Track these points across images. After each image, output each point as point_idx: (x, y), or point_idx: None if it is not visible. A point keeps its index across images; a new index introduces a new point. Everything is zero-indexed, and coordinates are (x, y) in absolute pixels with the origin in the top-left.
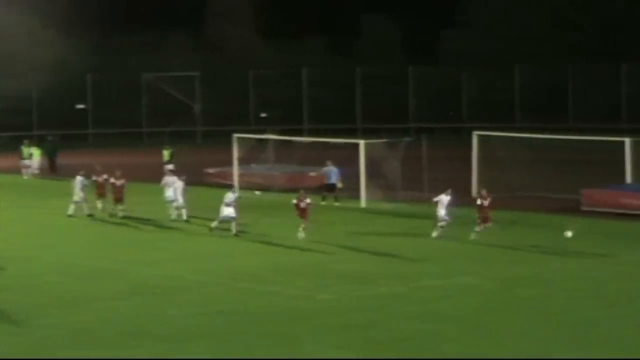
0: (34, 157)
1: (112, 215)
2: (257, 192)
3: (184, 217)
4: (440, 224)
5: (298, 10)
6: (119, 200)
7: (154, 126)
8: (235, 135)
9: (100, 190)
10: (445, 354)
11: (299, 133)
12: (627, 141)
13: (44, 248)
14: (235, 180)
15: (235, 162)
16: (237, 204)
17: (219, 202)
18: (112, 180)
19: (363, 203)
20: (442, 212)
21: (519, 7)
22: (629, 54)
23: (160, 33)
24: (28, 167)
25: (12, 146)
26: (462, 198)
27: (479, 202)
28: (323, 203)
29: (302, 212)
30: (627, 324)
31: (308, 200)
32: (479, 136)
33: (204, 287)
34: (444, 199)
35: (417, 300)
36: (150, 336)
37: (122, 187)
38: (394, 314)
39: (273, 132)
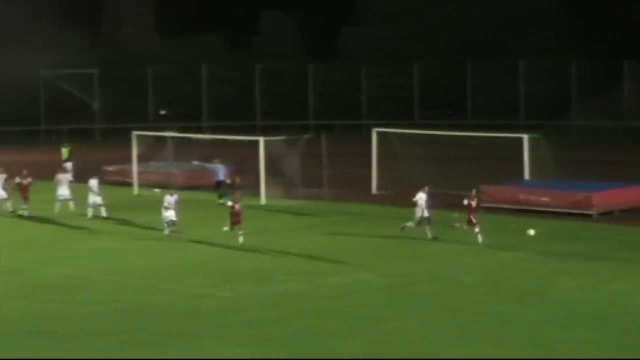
0: None
1: (14, 213)
2: (156, 190)
3: (104, 214)
4: (421, 222)
5: (196, 7)
6: (25, 199)
7: (52, 124)
8: (135, 132)
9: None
10: (340, 352)
11: (199, 130)
12: (525, 137)
13: None
14: (135, 178)
15: (135, 159)
16: (178, 207)
17: (118, 199)
18: (17, 180)
19: (263, 200)
20: (420, 213)
21: (418, 3)
22: (526, 51)
23: (59, 30)
24: None
25: None
26: (361, 195)
27: (465, 202)
28: (221, 201)
29: (237, 216)
30: (526, 319)
31: (239, 204)
32: (379, 133)
33: (104, 285)
34: (423, 196)
35: (315, 297)
36: (51, 335)
37: (28, 185)
38: (293, 311)
39: (172, 130)
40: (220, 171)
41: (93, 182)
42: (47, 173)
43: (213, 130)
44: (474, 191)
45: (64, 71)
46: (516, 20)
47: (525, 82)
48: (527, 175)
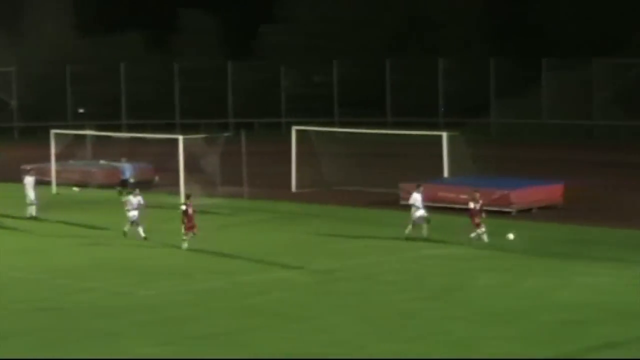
0: None
1: None
2: (75, 189)
3: (34, 213)
4: (418, 222)
5: (115, 5)
6: None
7: None
8: (53, 131)
9: None
10: (262, 350)
11: (118, 129)
12: (444, 135)
13: None
14: (53, 177)
15: (53, 158)
16: (142, 209)
17: (37, 198)
18: None
19: (183, 198)
20: (418, 213)
21: (338, 2)
22: (445, 49)
23: None
24: None
25: None
26: (281, 193)
27: (471, 205)
28: (122, 198)
29: (190, 219)
30: (445, 315)
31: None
32: (298, 131)
33: (22, 284)
34: (417, 196)
35: (236, 295)
36: None
37: None
38: (213, 309)
39: (91, 128)
40: (127, 170)
41: (29, 180)
42: None
43: (132, 129)
44: (477, 194)
45: None
46: (432, 19)
47: (444, 80)
48: (446, 172)
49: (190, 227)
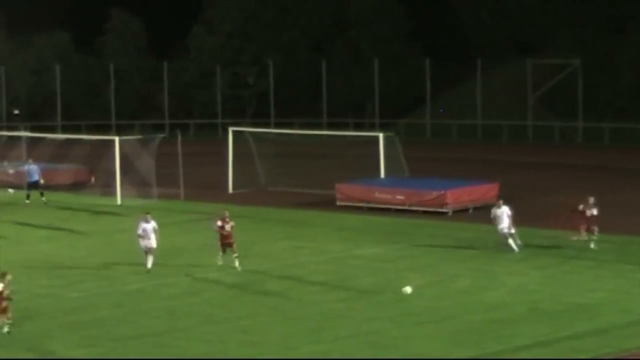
0: None
1: None
2: (10, 190)
3: None
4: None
5: (44, 5)
6: None
7: None
8: None
9: None
10: (186, 351)
11: (53, 130)
12: (381, 136)
13: None
14: None
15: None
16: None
17: None
18: None
19: (119, 200)
20: (502, 224)
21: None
22: (378, 51)
23: None
24: None
25: None
26: (217, 195)
27: (581, 207)
28: (27, 202)
29: (226, 238)
30: (371, 316)
31: (232, 223)
32: (234, 132)
33: None
34: (498, 211)
35: (162, 297)
36: None
37: None
38: (140, 310)
39: (26, 130)
40: (34, 171)
41: None
42: None
43: (67, 130)
44: (591, 199)
45: None
46: (360, 19)
47: (379, 81)
48: (382, 173)
49: (227, 245)
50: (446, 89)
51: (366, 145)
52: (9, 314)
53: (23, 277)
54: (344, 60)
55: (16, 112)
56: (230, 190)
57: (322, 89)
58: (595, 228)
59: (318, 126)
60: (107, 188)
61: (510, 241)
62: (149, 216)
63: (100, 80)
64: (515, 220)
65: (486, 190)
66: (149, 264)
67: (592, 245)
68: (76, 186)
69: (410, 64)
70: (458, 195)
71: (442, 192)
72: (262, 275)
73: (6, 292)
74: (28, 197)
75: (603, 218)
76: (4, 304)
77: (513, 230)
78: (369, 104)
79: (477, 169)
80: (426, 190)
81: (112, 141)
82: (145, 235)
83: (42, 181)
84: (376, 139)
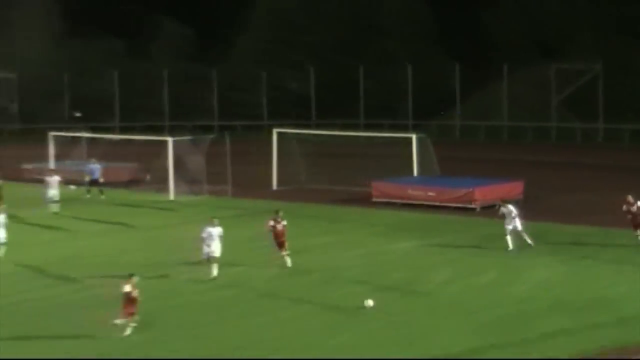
0: None
1: None
2: (72, 186)
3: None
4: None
5: (100, 11)
6: None
7: None
8: (51, 133)
9: None
10: (224, 340)
11: (110, 131)
12: (414, 137)
13: None
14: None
15: (52, 158)
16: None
17: (37, 195)
18: None
19: (171, 196)
20: (510, 225)
21: (308, 11)
22: (412, 55)
23: None
24: None
25: None
26: (262, 191)
27: (624, 208)
28: (88, 196)
29: (279, 237)
30: (403, 308)
31: (285, 222)
32: (279, 133)
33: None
34: (505, 211)
35: (210, 288)
36: None
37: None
38: (190, 301)
39: (86, 130)
40: (96, 170)
41: (54, 179)
42: None
43: (124, 131)
44: (630, 197)
45: None
46: (399, 27)
47: (412, 85)
48: (415, 171)
49: (279, 244)
50: (474, 91)
51: (400, 145)
52: (136, 317)
53: (81, 269)
54: (379, 65)
55: (77, 114)
56: (274, 187)
57: (359, 93)
58: None
59: (355, 127)
60: (161, 185)
61: (525, 237)
62: (215, 220)
63: (154, 84)
64: (539, 214)
65: (512, 187)
66: (214, 272)
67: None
68: (132, 183)
69: (440, 69)
70: (485, 192)
71: (471, 189)
72: (302, 267)
73: (134, 293)
74: (88, 192)
75: (621, 215)
76: (131, 306)
77: (520, 227)
78: (402, 107)
79: (503, 168)
80: (455, 188)
81: (166, 141)
82: (209, 239)
83: (101, 179)
84: (409, 139)
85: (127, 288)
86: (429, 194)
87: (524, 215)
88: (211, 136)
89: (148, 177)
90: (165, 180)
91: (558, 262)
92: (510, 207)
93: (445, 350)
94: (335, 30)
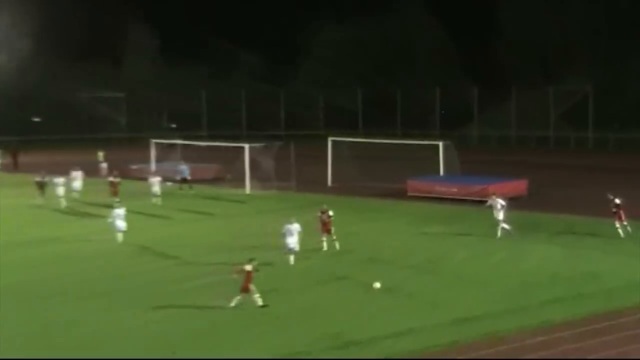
0: None
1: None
2: (168, 183)
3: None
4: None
5: (193, 40)
6: (115, 194)
7: (90, 133)
8: (152, 140)
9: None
10: (292, 306)
11: (199, 139)
12: (440, 144)
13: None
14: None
15: (153, 160)
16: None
17: (140, 189)
18: (110, 179)
19: (247, 191)
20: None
21: (358, 42)
22: (439, 79)
23: (91, 64)
24: None
25: None
26: (320, 187)
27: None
28: (180, 191)
29: (326, 225)
30: (430, 281)
31: (331, 213)
32: (333, 141)
33: (93, 260)
34: (492, 203)
35: (281, 263)
36: (56, 294)
37: (118, 183)
38: (264, 274)
39: (179, 138)
40: (185, 170)
41: (156, 179)
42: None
43: (210, 139)
44: (609, 195)
45: (100, 94)
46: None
47: (440, 102)
48: (441, 171)
49: (324, 230)
50: (488, 107)
51: (429, 150)
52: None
53: (178, 248)
54: (413, 87)
55: (173, 125)
56: (329, 184)
57: (396, 109)
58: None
59: (393, 136)
60: (239, 182)
61: (504, 225)
62: (293, 219)
63: (234, 101)
64: (541, 206)
65: (518, 184)
66: (292, 261)
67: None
68: (216, 180)
69: (461, 89)
70: (497, 188)
71: (485, 186)
72: (349, 248)
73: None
74: (180, 188)
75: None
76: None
77: (501, 217)
78: (431, 120)
79: (511, 169)
80: (473, 185)
81: (243, 147)
82: (288, 235)
83: (189, 177)
84: (437, 146)
85: (248, 268)
86: (452, 189)
87: (533, 206)
88: (279, 143)
89: (229, 175)
90: (242, 178)
91: (555, 245)
92: (498, 200)
93: (467, 314)
94: (378, 59)
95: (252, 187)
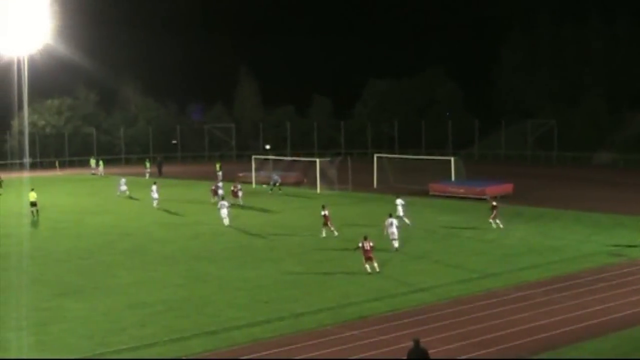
0: (100, 165)
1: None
2: (264, 186)
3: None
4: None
5: (273, 87)
6: (236, 197)
7: (210, 151)
8: (253, 156)
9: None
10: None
11: (285, 155)
12: (452, 159)
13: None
14: (253, 179)
15: (253, 170)
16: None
17: (244, 190)
18: (232, 188)
19: (318, 191)
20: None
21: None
22: (450, 113)
23: (210, 103)
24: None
25: (140, 163)
26: (368, 188)
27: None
28: (270, 192)
29: (367, 253)
30: (447, 251)
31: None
32: (378, 157)
33: (223, 236)
34: (398, 200)
35: (344, 239)
36: (201, 258)
37: (237, 191)
38: (335, 255)
39: (271, 154)
40: (276, 176)
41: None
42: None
43: (293, 155)
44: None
45: (218, 125)
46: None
47: (452, 126)
48: (453, 177)
49: (325, 224)
50: (485, 135)
51: (445, 163)
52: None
53: (272, 229)
54: (432, 120)
55: (267, 147)
56: (375, 185)
57: (421, 134)
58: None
59: (419, 153)
60: (312, 184)
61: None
62: (392, 214)
63: (310, 129)
64: (521, 202)
65: (506, 186)
66: (396, 245)
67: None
68: (296, 184)
69: (466, 121)
70: (491, 189)
71: (483, 187)
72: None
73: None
74: (271, 189)
75: (573, 203)
76: (369, 254)
77: (401, 214)
78: (446, 142)
79: (501, 176)
80: (475, 187)
81: (315, 161)
82: (390, 227)
83: (279, 182)
84: (450, 160)
85: (367, 246)
86: (460, 190)
87: (516, 201)
88: (340, 158)
89: (305, 180)
90: (314, 182)
91: (531, 227)
92: (398, 200)
93: (470, 275)
94: (409, 101)
95: (321, 188)
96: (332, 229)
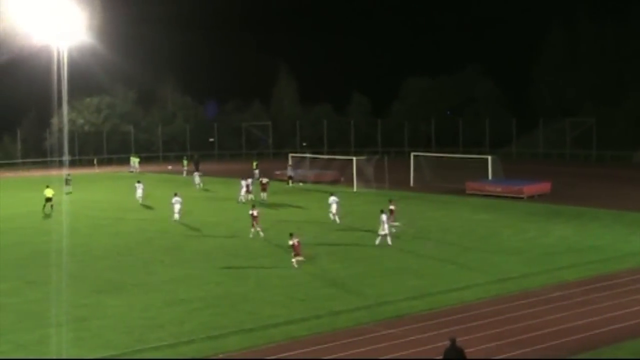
0: (136, 163)
1: (262, 200)
2: (300, 183)
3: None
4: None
5: (313, 82)
6: (264, 191)
7: (247, 149)
8: (290, 154)
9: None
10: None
11: (322, 153)
12: (489, 157)
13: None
14: (289, 177)
15: (289, 167)
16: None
17: (279, 188)
18: (262, 180)
19: (355, 189)
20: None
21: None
22: (489, 113)
23: (248, 102)
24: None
25: (177, 161)
26: (405, 187)
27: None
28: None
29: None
30: (483, 249)
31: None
32: (415, 156)
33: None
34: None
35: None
36: (238, 255)
37: (267, 183)
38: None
39: (308, 153)
40: (292, 172)
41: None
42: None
43: (330, 153)
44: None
45: (255, 123)
46: (481, 96)
47: (489, 124)
48: (490, 176)
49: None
50: (523, 133)
51: (482, 162)
52: (300, 257)
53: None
54: (470, 119)
55: (304, 144)
56: (411, 184)
57: (459, 134)
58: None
59: (456, 152)
60: (348, 183)
61: (336, 218)
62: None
63: (347, 130)
64: (560, 200)
65: (544, 185)
66: (378, 241)
67: (393, 230)
68: (333, 182)
69: (504, 120)
70: (529, 188)
71: (521, 186)
72: (428, 229)
73: (295, 243)
74: (288, 183)
75: (613, 202)
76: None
77: (334, 210)
78: (483, 141)
79: (539, 175)
80: (512, 186)
81: (352, 159)
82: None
83: (293, 177)
84: (487, 159)
85: (293, 242)
86: (498, 189)
87: (555, 200)
88: (377, 156)
89: (342, 178)
90: (351, 179)
91: (569, 226)
92: (332, 197)
93: (508, 274)
94: (447, 100)
95: (357, 186)
96: (395, 223)
